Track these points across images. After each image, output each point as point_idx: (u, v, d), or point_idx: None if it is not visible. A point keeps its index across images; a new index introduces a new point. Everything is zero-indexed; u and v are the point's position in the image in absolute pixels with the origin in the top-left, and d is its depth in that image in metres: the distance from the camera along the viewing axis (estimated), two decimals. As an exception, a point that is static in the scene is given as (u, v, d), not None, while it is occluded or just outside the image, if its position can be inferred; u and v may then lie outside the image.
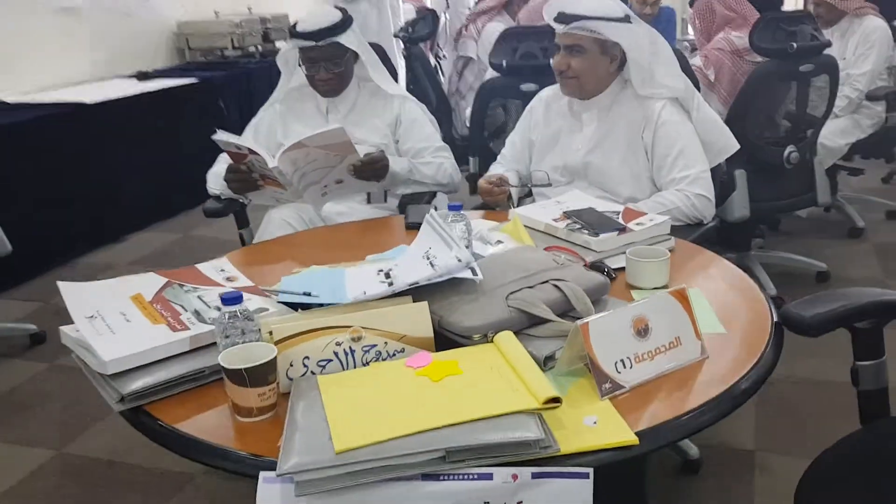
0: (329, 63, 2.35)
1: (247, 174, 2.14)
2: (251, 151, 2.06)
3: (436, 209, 2.03)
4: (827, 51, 2.94)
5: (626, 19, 2.01)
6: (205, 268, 1.46)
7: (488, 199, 2.07)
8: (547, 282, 1.30)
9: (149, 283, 1.37)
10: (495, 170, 2.27)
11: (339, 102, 2.44)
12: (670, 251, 1.66)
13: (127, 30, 5.31)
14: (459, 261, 1.29)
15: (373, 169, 2.13)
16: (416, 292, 1.28)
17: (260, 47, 5.94)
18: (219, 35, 5.68)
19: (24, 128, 3.88)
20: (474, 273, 1.28)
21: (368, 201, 2.40)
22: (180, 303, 1.32)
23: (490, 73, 3.07)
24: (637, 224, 1.66)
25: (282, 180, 2.06)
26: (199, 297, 1.34)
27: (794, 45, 2.77)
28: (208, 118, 5.10)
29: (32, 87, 4.54)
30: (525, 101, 2.86)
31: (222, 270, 1.46)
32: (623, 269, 1.55)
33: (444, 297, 1.27)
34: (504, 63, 2.81)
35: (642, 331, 1.17)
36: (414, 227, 1.92)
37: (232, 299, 1.15)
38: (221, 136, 2.11)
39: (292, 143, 2.01)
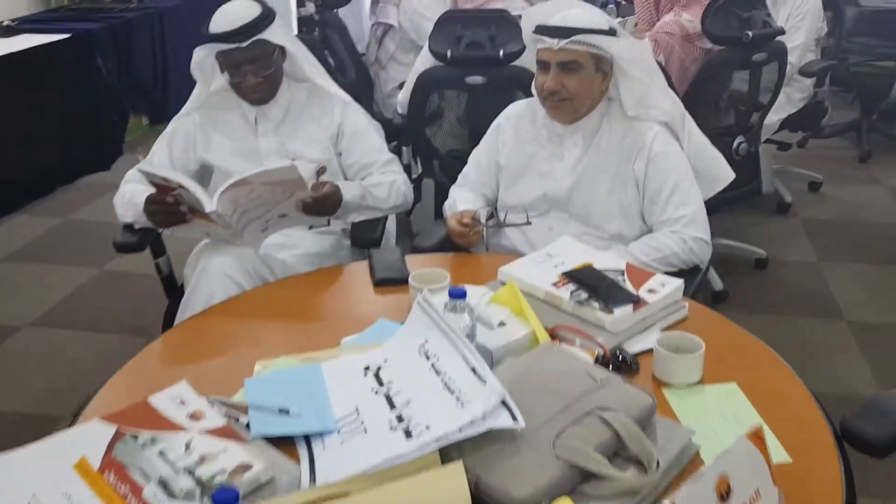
0: (256, 66, 2.00)
1: (174, 206, 1.81)
2: (182, 187, 1.73)
3: (398, 249, 1.78)
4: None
5: (614, 32, 1.79)
6: (160, 401, 1.16)
7: (461, 241, 1.83)
8: (592, 412, 1.10)
9: (93, 436, 1.07)
10: (459, 194, 2.01)
11: (268, 110, 2.10)
12: (684, 320, 1.51)
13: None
14: (500, 404, 1.06)
15: (324, 206, 1.84)
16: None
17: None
18: (90, -22, 5.02)
19: None
20: (513, 416, 1.06)
21: (310, 227, 2.11)
22: (139, 466, 1.03)
23: (427, 58, 2.77)
24: (649, 291, 1.48)
25: (219, 222, 1.75)
26: (160, 454, 1.06)
27: (750, 33, 2.62)
28: (85, 79, 4.52)
29: None
30: (470, 93, 2.62)
31: (182, 403, 1.16)
32: (645, 352, 1.37)
33: (477, 444, 1.05)
34: (449, 53, 2.52)
35: (725, 493, 0.99)
36: (384, 284, 1.68)
37: (228, 502, 0.88)
38: (147, 167, 1.78)
39: (234, 180, 1.69)
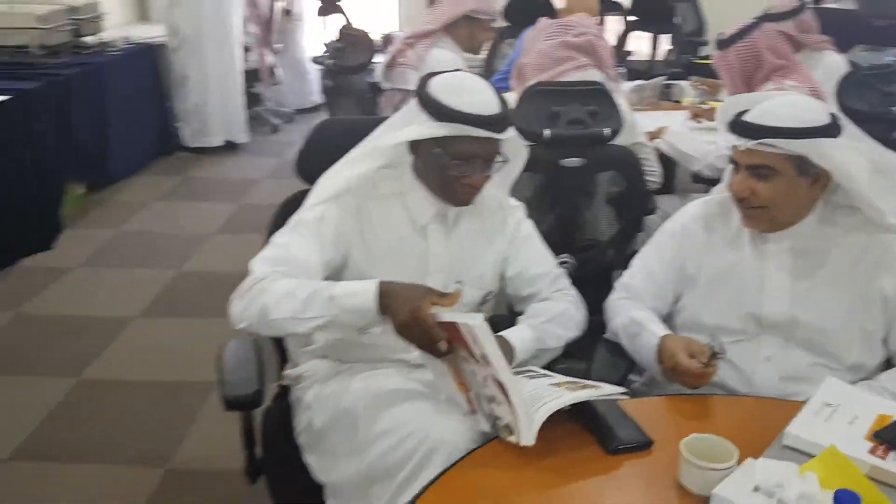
0: (489, 163, 1.58)
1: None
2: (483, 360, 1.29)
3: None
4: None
5: (832, 128, 1.50)
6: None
7: (690, 383, 1.49)
8: None
9: None
10: (639, 313, 1.66)
11: (462, 213, 1.66)
12: None
13: None
14: None
15: None
16: None
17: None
18: (17, 31, 4.37)
19: None
20: None
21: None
22: None
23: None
24: None
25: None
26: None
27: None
28: (20, 146, 3.88)
29: None
30: (563, 177, 2.31)
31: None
32: None
33: None
34: (548, 133, 2.20)
35: None
36: (622, 452, 1.32)
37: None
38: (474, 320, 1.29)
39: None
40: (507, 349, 1.47)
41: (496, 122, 1.52)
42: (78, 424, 2.62)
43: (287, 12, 6.15)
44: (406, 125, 1.57)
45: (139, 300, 3.45)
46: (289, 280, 1.48)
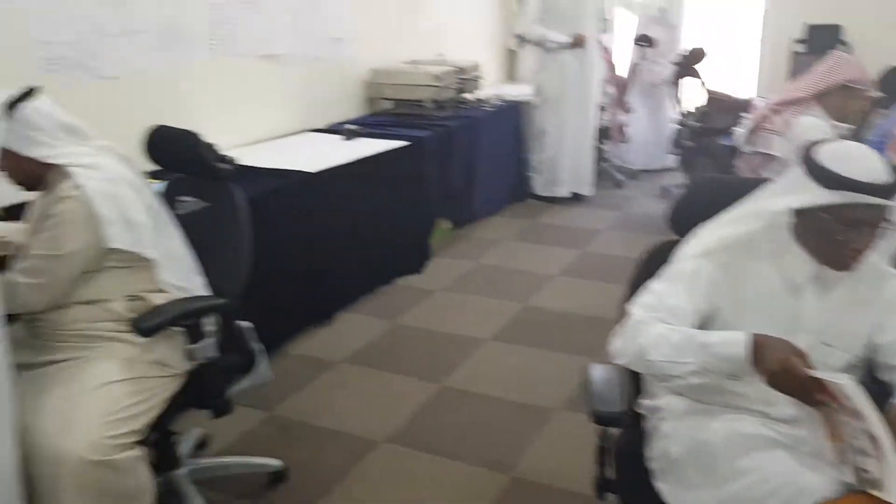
0: (875, 229, 1.61)
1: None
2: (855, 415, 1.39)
3: None
4: None
5: None
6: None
7: None
8: None
9: None
10: None
11: (838, 277, 1.69)
12: None
13: (319, 78, 4.83)
14: None
15: None
16: None
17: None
18: (417, 87, 5.17)
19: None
20: None
21: None
22: None
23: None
24: None
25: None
26: None
27: None
28: (409, 184, 4.59)
29: (238, 140, 4.10)
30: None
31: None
32: None
33: None
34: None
35: None
36: None
37: None
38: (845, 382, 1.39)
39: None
40: None
41: (888, 190, 1.55)
42: (439, 423, 3.05)
43: (674, 83, 6.27)
44: (791, 192, 1.65)
45: (491, 325, 3.89)
46: (664, 325, 1.62)
